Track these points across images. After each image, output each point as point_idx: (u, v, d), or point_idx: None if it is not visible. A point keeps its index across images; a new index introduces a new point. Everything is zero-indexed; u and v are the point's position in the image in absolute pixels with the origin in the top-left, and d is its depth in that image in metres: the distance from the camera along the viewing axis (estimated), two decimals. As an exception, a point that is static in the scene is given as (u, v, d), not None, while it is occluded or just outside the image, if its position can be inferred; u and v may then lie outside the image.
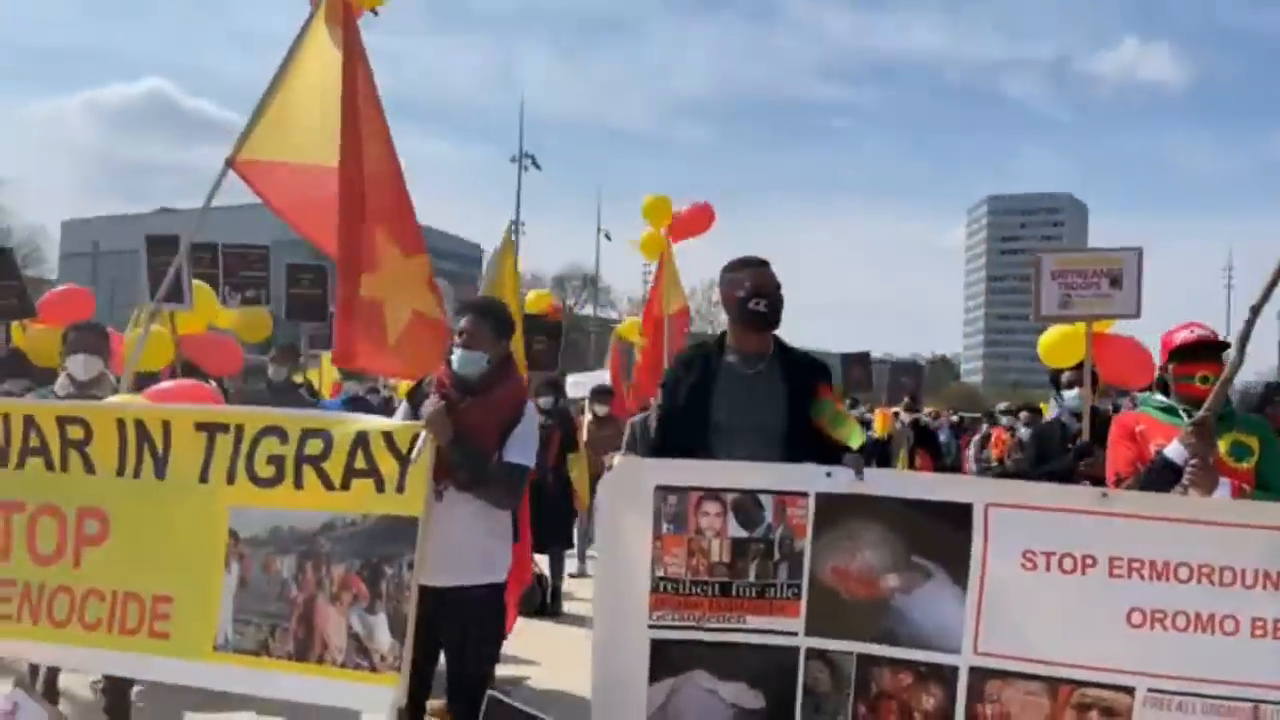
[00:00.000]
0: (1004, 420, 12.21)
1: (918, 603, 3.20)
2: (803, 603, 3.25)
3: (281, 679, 3.44)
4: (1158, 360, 3.61)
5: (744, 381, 3.45)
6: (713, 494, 3.22)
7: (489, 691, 3.39)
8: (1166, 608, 3.03)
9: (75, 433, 3.71)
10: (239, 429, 3.56)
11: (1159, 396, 3.57)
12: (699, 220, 7.13)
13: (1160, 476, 3.16)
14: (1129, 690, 3.05)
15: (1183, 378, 3.40)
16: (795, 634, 3.27)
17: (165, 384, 4.65)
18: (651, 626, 3.31)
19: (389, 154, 4.69)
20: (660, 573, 3.27)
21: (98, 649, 3.63)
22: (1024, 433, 7.98)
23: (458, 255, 68.37)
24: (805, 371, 3.49)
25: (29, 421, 3.75)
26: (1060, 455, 5.01)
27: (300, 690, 3.43)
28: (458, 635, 3.47)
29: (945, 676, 3.19)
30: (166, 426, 3.64)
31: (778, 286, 3.47)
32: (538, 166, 49.13)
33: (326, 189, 4.46)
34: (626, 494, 3.26)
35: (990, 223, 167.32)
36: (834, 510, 3.20)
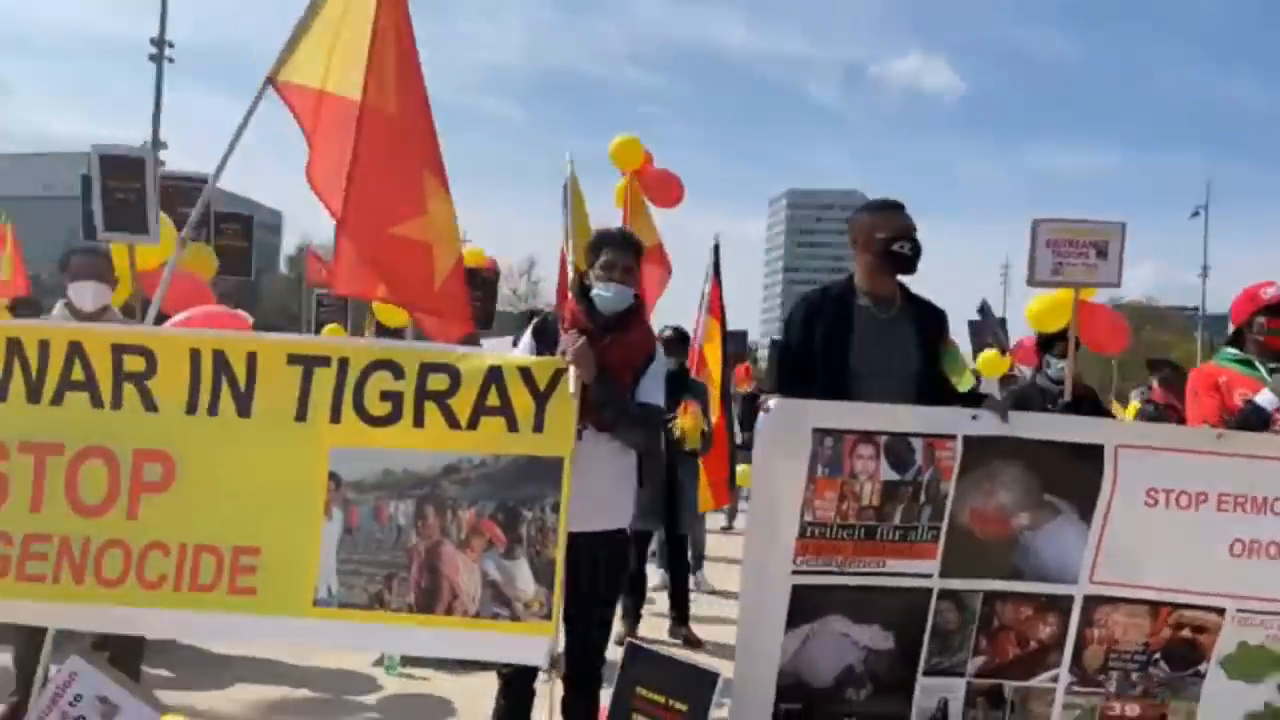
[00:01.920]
0: None
1: (1044, 539, 3.37)
2: (940, 544, 3.33)
3: (401, 633, 3.16)
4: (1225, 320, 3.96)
5: (880, 326, 3.49)
6: (867, 437, 3.24)
7: (629, 639, 3.28)
8: (1262, 538, 3.37)
9: (134, 364, 3.22)
10: (343, 363, 3.22)
11: (1233, 350, 3.92)
12: (668, 188, 7.00)
13: (1249, 422, 3.48)
14: (1220, 611, 3.39)
15: (1275, 330, 3.77)
16: (930, 575, 3.36)
17: (192, 312, 4.11)
18: (795, 572, 3.29)
19: (423, 87, 4.41)
20: (809, 517, 3.26)
21: (160, 609, 3.19)
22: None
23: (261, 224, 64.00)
24: (932, 316, 3.57)
25: (75, 349, 3.22)
26: None
27: (428, 644, 3.20)
28: (585, 584, 3.31)
29: (1062, 606, 3.39)
30: (252, 358, 3.23)
31: (916, 229, 3.52)
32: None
33: (352, 123, 4.15)
34: (784, 437, 3.22)
35: (789, 216, 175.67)
36: (978, 452, 3.30)
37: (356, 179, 4.17)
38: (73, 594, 3.18)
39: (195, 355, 3.23)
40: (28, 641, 3.87)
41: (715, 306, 6.87)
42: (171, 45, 31.65)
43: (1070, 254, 5.37)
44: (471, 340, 5.45)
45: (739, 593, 3.33)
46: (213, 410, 3.22)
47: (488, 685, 4.67)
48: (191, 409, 3.22)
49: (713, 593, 7.26)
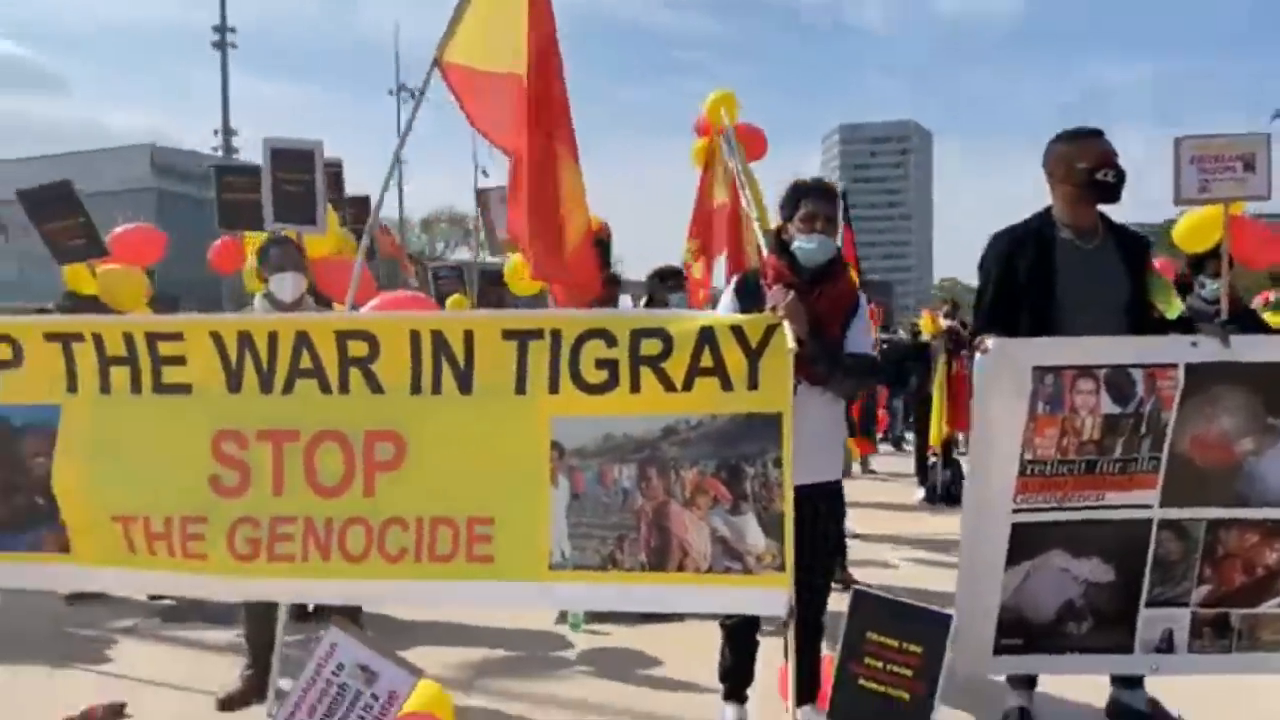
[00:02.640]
0: None
1: (1269, 463, 3.32)
2: (1160, 474, 3.31)
3: (636, 591, 3.27)
4: None
5: (1084, 257, 3.43)
6: (1087, 371, 3.21)
7: (855, 586, 3.34)
8: None
9: (358, 349, 3.34)
10: (555, 334, 3.29)
11: None
12: (754, 143, 6.93)
13: None
14: None
15: None
16: (1150, 506, 3.33)
17: (382, 298, 4.25)
18: (1015, 511, 3.31)
19: (557, 55, 4.46)
20: (1029, 456, 3.26)
21: (405, 580, 3.35)
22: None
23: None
24: (1136, 243, 3.50)
25: (302, 339, 3.36)
26: None
27: (662, 600, 3.28)
28: (808, 535, 3.36)
29: None
30: (469, 336, 3.32)
31: (1118, 155, 3.44)
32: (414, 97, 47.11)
33: (512, 99, 4.22)
34: (1003, 377, 3.21)
35: (842, 151, 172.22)
36: (1199, 379, 3.25)
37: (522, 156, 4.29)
38: (321, 570, 3.35)
39: (415, 337, 3.33)
40: (259, 618, 4.10)
41: (850, 253, 6.82)
42: (234, 30, 32.30)
43: (1216, 169, 5.20)
44: (606, 303, 5.54)
45: (960, 533, 3.35)
46: (436, 389, 3.33)
47: (668, 633, 4.86)
48: (415, 389, 3.34)
49: (854, 536, 7.30)
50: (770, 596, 3.14)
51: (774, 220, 4.34)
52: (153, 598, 5.49)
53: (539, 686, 4.36)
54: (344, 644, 3.29)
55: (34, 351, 3.44)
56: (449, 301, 8.78)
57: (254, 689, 4.06)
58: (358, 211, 7.95)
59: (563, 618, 5.10)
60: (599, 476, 3.28)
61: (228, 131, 33.58)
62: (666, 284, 5.69)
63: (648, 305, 5.60)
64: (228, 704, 4.03)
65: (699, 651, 4.64)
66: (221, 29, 32.23)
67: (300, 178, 5.07)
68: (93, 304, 5.70)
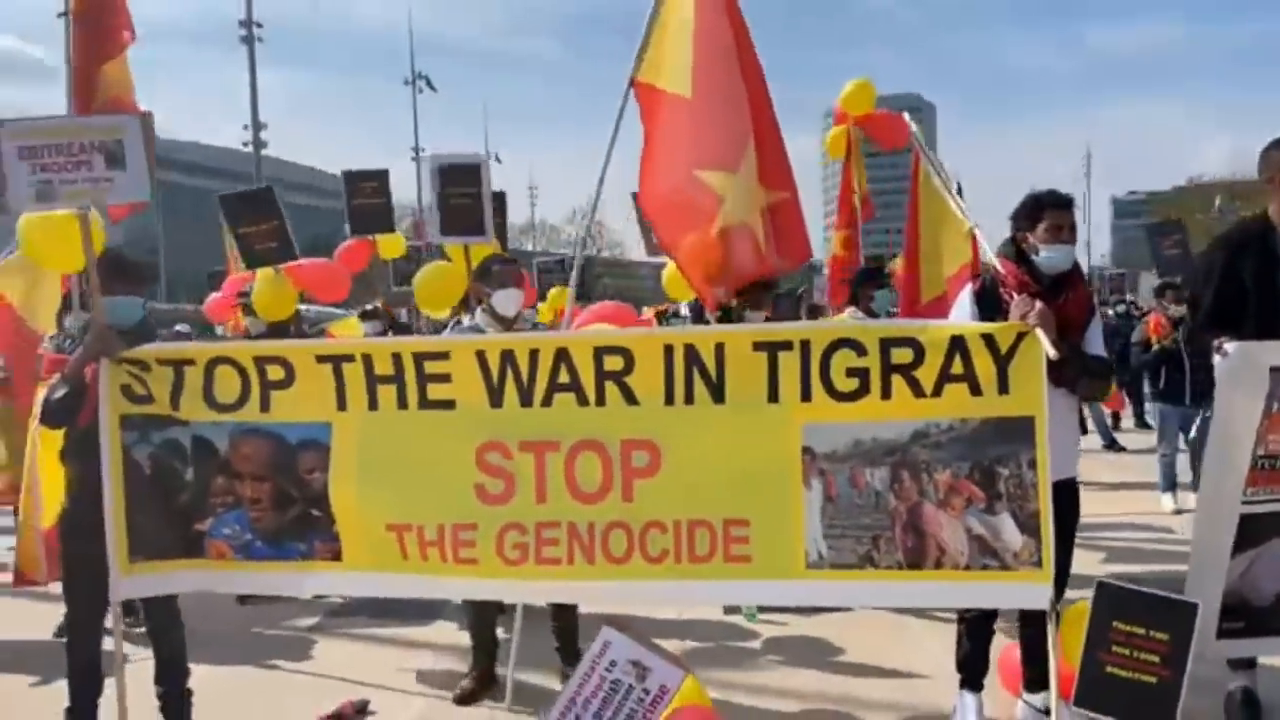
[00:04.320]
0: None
1: None
2: None
3: (894, 588, 3.46)
4: None
5: None
6: None
7: (1099, 580, 3.51)
8: None
9: (614, 363, 3.52)
10: (804, 345, 3.46)
11: None
12: (896, 130, 7.01)
13: None
14: None
15: None
16: None
17: (597, 308, 4.44)
18: (1244, 503, 3.48)
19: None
20: (1261, 451, 3.42)
21: (667, 580, 3.55)
22: (1176, 312, 8.26)
23: (313, 188, 64.75)
24: None
25: (561, 355, 3.54)
26: None
27: (922, 596, 3.47)
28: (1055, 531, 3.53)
29: None
30: (720, 349, 3.49)
31: None
32: (432, 87, 47.15)
33: (681, 120, 4.40)
34: (1243, 378, 3.37)
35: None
36: None
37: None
38: (587, 572, 3.55)
39: (669, 350, 3.51)
40: (480, 617, 4.32)
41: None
42: (260, 25, 32.42)
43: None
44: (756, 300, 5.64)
45: (1193, 522, 3.52)
46: (689, 399, 3.51)
47: (839, 621, 5.05)
48: (669, 400, 3.52)
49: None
50: (1030, 591, 3.32)
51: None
52: (242, 599, 5.54)
53: (748, 677, 4.54)
54: (616, 642, 3.50)
55: (305, 372, 3.63)
56: (550, 293, 8.94)
57: (485, 684, 4.27)
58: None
59: (734, 609, 5.30)
60: (851, 479, 3.46)
61: (257, 125, 33.70)
62: (871, 284, 5.61)
63: (851, 304, 5.61)
64: (465, 699, 4.24)
65: (875, 637, 4.87)
66: (249, 23, 32.30)
67: (467, 191, 5.23)
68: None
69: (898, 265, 6.37)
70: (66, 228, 3.87)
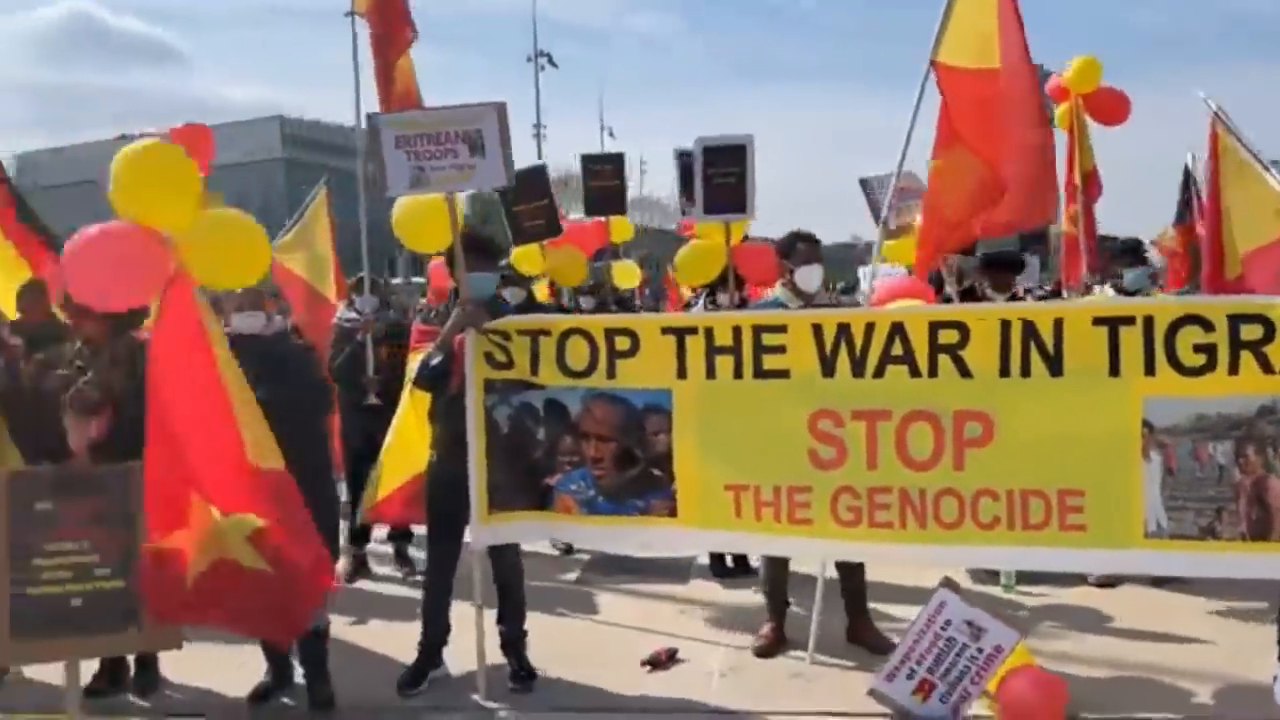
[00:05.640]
0: None
1: None
2: None
3: (1236, 560, 3.53)
4: None
5: None
6: None
7: None
8: None
9: (948, 337, 3.68)
10: (1148, 320, 3.53)
11: None
12: (1119, 107, 6.92)
13: None
14: None
15: None
16: None
17: (891, 286, 4.59)
18: None
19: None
20: None
21: (999, 547, 3.71)
22: None
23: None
24: None
25: (896, 328, 3.71)
26: None
27: (1267, 567, 3.51)
28: None
29: None
30: (1059, 324, 3.60)
31: None
32: (554, 64, 47.54)
33: (989, 93, 4.40)
34: None
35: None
36: None
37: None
38: (919, 536, 3.73)
39: (1005, 325, 3.64)
40: (778, 577, 4.56)
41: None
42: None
43: None
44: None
45: None
46: (1025, 372, 3.63)
47: (1102, 593, 5.05)
48: (1004, 372, 3.65)
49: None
50: None
51: None
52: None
53: (1041, 644, 4.50)
54: (951, 602, 3.67)
55: (649, 343, 3.90)
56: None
57: (779, 641, 4.52)
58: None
59: (991, 578, 5.39)
60: (1193, 452, 3.52)
61: (359, 107, 34.57)
62: (1119, 261, 5.67)
63: (1100, 282, 5.63)
64: (764, 653, 4.49)
65: (1143, 607, 4.88)
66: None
67: (731, 170, 5.39)
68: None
69: (1167, 239, 6.26)
70: (436, 211, 4.22)
